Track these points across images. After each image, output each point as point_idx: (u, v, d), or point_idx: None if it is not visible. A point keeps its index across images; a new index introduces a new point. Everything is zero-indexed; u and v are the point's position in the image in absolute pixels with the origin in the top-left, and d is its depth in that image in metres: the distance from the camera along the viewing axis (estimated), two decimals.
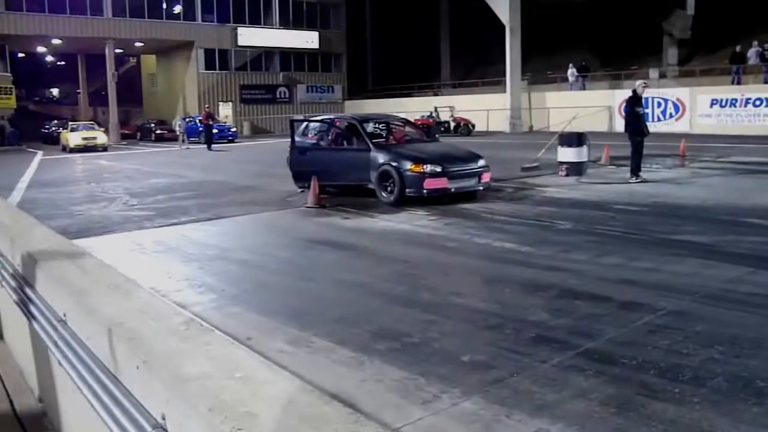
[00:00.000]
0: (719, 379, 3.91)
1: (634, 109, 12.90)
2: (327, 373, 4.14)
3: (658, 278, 6.12)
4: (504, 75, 32.72)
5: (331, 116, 13.69)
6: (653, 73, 31.16)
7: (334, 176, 11.87)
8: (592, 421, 3.47)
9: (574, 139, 13.89)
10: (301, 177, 12.01)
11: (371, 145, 11.44)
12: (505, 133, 31.75)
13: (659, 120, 26.92)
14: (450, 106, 33.06)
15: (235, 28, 41.83)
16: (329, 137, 12.55)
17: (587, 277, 6.26)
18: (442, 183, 10.67)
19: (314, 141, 12.86)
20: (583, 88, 32.65)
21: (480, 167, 11.33)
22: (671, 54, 33.69)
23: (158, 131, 37.72)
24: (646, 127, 12.99)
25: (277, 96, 44.39)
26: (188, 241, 8.66)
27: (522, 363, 4.23)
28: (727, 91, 26.10)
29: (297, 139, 13.03)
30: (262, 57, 44.08)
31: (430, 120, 30.74)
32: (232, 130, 34.06)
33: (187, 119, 34.02)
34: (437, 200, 10.73)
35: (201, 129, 30.51)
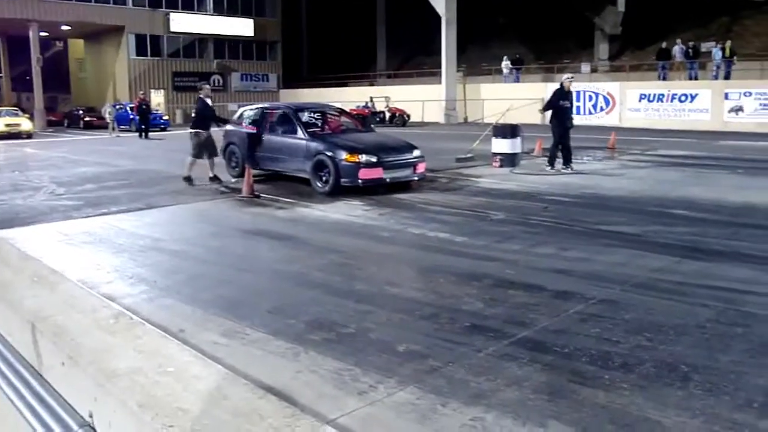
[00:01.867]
0: (647, 365, 4.02)
1: (559, 101, 13.23)
2: (262, 364, 4.08)
3: (590, 268, 6.26)
4: (439, 66, 32.91)
5: (266, 105, 13.62)
6: (585, 67, 31.91)
7: (269, 164, 12.11)
8: (525, 408, 3.51)
9: (508, 131, 14.09)
10: (236, 164, 12.67)
11: (306, 135, 11.43)
12: (441, 124, 31.97)
13: (590, 113, 27.57)
14: (386, 97, 33.08)
15: (168, 14, 40.87)
16: (265, 126, 12.50)
17: (521, 267, 6.35)
18: (377, 173, 10.68)
19: (249, 130, 12.73)
20: (517, 80, 33.14)
21: (415, 158, 11.38)
22: (602, 49, 34.51)
23: (87, 118, 36.58)
24: (571, 120, 13.41)
25: (211, 84, 43.62)
26: (118, 231, 8.42)
27: (457, 352, 4.26)
28: (654, 87, 26.90)
29: (230, 127, 13.34)
30: (196, 44, 43.22)
31: (366, 110, 30.71)
32: (164, 118, 33.31)
33: (118, 106, 33.08)
34: (372, 190, 10.71)
35: (132, 117, 29.74)
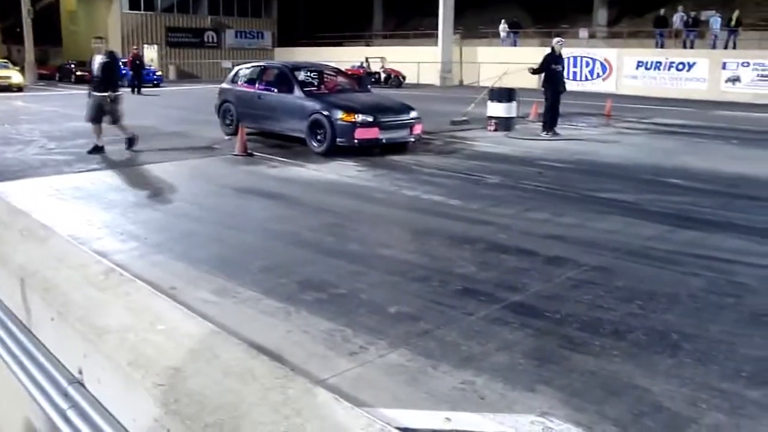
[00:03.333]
0: (638, 332, 4.04)
1: (551, 66, 13.17)
2: (253, 323, 4.07)
3: (583, 234, 6.26)
4: (436, 28, 32.54)
5: (262, 63, 13.42)
6: (583, 32, 31.59)
7: (264, 123, 12.02)
8: (515, 373, 3.52)
9: (504, 95, 14.00)
10: (230, 122, 12.55)
11: (302, 94, 11.29)
12: (436, 86, 31.71)
13: (587, 79, 27.40)
14: (381, 57, 32.74)
15: None
16: (260, 84, 12.31)
17: (514, 232, 6.34)
18: (373, 133, 10.58)
19: (245, 88, 12.59)
20: (515, 44, 32.83)
21: (412, 119, 11.28)
22: (601, 15, 34.14)
23: (79, 73, 36.04)
24: (563, 84, 13.39)
25: (205, 40, 43.07)
26: (109, 187, 8.36)
27: (448, 315, 4.26)
28: (652, 54, 26.70)
29: (226, 86, 13.10)
30: None
31: (361, 70, 30.41)
32: (157, 74, 32.91)
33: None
34: (367, 151, 10.64)
35: (125, 72, 29.41)
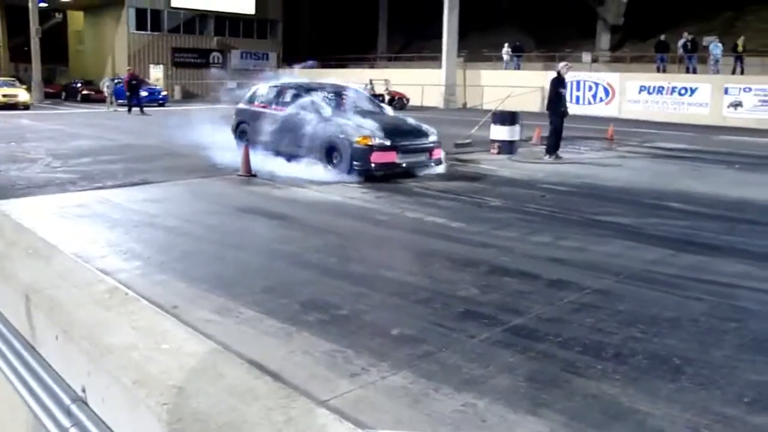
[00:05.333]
0: (639, 356, 4.03)
1: (558, 89, 13.28)
2: (254, 343, 4.07)
3: (585, 258, 6.27)
4: (440, 51, 32.76)
5: (280, 83, 13.00)
6: (586, 56, 31.79)
7: (281, 144, 11.45)
8: (517, 396, 3.52)
9: (507, 118, 14.07)
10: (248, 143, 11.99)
11: (319, 115, 10.93)
12: (439, 108, 31.86)
13: (590, 103, 27.53)
14: (385, 79, 32.94)
15: None
16: (277, 105, 12.03)
17: (517, 255, 6.35)
18: (390, 157, 10.19)
19: (262, 108, 12.33)
20: (518, 67, 33.03)
21: (431, 142, 10.89)
22: (604, 39, 34.38)
23: (85, 92, 36.31)
24: (566, 107, 13.50)
25: (211, 61, 43.39)
26: (113, 206, 8.39)
27: (450, 338, 4.26)
28: (655, 79, 26.84)
29: (243, 106, 12.82)
30: (196, 20, 42.94)
31: (365, 93, 30.57)
32: (162, 93, 33.13)
33: (116, 80, 32.86)
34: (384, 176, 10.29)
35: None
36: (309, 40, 48.40)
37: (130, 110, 26.62)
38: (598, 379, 3.73)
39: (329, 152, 10.47)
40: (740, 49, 26.03)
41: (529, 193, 9.61)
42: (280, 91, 12.26)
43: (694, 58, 27.19)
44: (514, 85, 23.96)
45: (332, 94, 12.06)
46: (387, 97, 32.10)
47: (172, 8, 41.07)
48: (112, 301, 2.02)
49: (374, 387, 3.59)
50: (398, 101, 31.85)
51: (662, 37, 28.39)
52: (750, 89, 23.73)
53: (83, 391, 1.68)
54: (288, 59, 44.20)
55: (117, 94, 31.08)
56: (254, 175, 10.60)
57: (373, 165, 10.07)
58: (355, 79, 33.67)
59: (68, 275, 2.25)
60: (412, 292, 5.19)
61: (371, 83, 32.56)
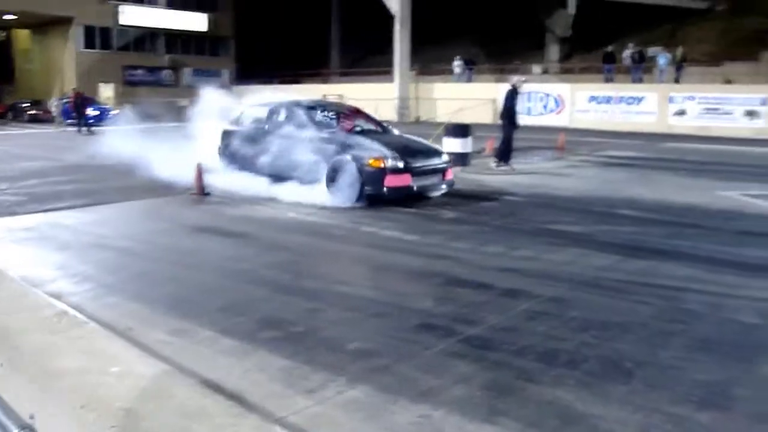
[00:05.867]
0: (592, 361, 4.12)
1: (513, 102, 13.63)
2: (210, 363, 4.04)
3: (538, 266, 6.37)
4: (393, 65, 32.97)
5: (272, 102, 11.94)
6: (536, 68, 32.36)
7: (276, 169, 10.40)
8: (473, 405, 3.56)
9: (459, 131, 14.22)
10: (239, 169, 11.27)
11: (321, 135, 10.05)
12: (393, 122, 31.94)
13: (541, 114, 27.94)
14: (338, 95, 32.98)
15: (117, 6, 40.05)
16: (270, 125, 11.03)
17: (471, 266, 6.42)
18: (404, 180, 9.34)
19: (252, 130, 11.41)
20: (470, 80, 33.40)
21: (444, 163, 10.09)
22: (553, 51, 35.07)
23: (32, 111, 35.55)
24: (518, 119, 13.90)
25: (162, 79, 42.95)
26: (63, 228, 8.24)
27: (406, 350, 4.29)
28: (603, 89, 27.41)
29: (230, 127, 11.90)
30: (147, 38, 42.49)
31: None
32: (113, 112, 32.62)
33: (64, 100, 32.28)
34: (394, 201, 9.46)
35: (71, 111, 29.09)
36: (262, 57, 48.27)
37: (79, 130, 26.20)
38: (553, 385, 3.80)
39: (334, 176, 9.56)
40: (678, 59, 26.81)
41: (482, 204, 9.73)
42: (274, 111, 11.25)
43: (640, 69, 27.87)
44: (467, 98, 24.28)
45: (331, 112, 11.26)
46: None
47: (122, 26, 40.55)
48: (61, 325, 1.98)
49: (331, 402, 3.59)
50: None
51: (609, 49, 29.06)
52: (693, 98, 24.40)
53: (31, 417, 1.66)
54: (241, 76, 44.13)
55: (65, 113, 30.54)
56: (208, 194, 10.51)
57: (385, 189, 9.21)
58: (308, 94, 33.74)
59: (15, 300, 2.20)
60: (367, 306, 5.21)
61: (325, 98, 32.58)
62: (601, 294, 5.53)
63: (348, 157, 9.43)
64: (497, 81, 30.99)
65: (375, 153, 9.37)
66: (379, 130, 11.16)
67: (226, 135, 11.90)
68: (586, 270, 6.23)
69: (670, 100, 24.95)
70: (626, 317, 4.94)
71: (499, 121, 14.10)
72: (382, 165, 9.22)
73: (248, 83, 42.45)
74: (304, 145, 10.01)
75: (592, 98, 27.14)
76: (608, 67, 28.69)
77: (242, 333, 4.57)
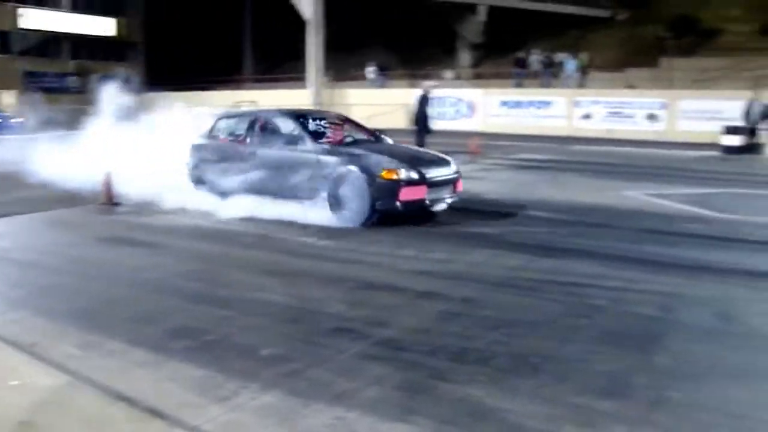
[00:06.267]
0: (502, 358, 4.23)
1: (424, 108, 13.91)
2: (121, 375, 3.94)
3: (451, 268, 6.50)
4: (307, 71, 32.93)
5: (253, 111, 10.99)
6: (448, 74, 32.91)
7: (263, 186, 9.24)
8: (386, 405, 3.60)
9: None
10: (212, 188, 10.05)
11: (317, 147, 8.99)
12: None
13: (454, 119, 28.42)
14: (251, 101, 32.63)
15: (16, 8, 38.45)
16: (253, 138, 9.78)
17: (384, 269, 6.50)
18: (420, 193, 8.45)
19: (230, 145, 10.17)
20: (383, 86, 33.66)
21: (455, 173, 9.19)
22: (465, 57, 35.78)
23: None
24: (430, 124, 14.21)
25: (68, 85, 41.50)
26: None
27: (320, 354, 4.30)
28: (514, 94, 28.15)
29: (202, 141, 10.57)
30: (51, 42, 40.96)
31: None
32: (14, 120, 31.31)
33: None
34: (402, 215, 8.54)
35: None
36: (173, 64, 47.30)
37: None
38: (464, 383, 3.88)
39: (337, 192, 8.56)
40: (583, 64, 27.84)
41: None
42: (255, 121, 9.98)
43: (548, 74, 28.77)
44: (381, 103, 24.48)
45: (322, 121, 10.19)
46: None
47: (21, 30, 38.98)
48: None
49: (245, 408, 3.57)
50: None
51: (519, 54, 29.87)
52: (599, 102, 25.35)
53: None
54: (152, 83, 43.09)
55: None
56: (117, 204, 10.22)
57: (399, 204, 8.30)
58: (221, 101, 33.28)
59: None
60: (280, 312, 5.19)
61: (238, 105, 32.19)
62: (513, 293, 5.69)
63: (354, 169, 8.41)
64: (410, 86, 31.38)
65: (386, 164, 8.45)
66: (372, 140, 10.12)
67: (197, 150, 10.55)
68: (498, 270, 6.39)
69: (577, 104, 25.84)
70: (535, 315, 5.10)
71: (413, 127, 14.32)
72: (395, 177, 8.29)
73: (158, 90, 41.56)
74: (298, 159, 8.95)
75: (504, 103, 27.81)
76: (518, 73, 29.50)
77: (153, 343, 4.48)
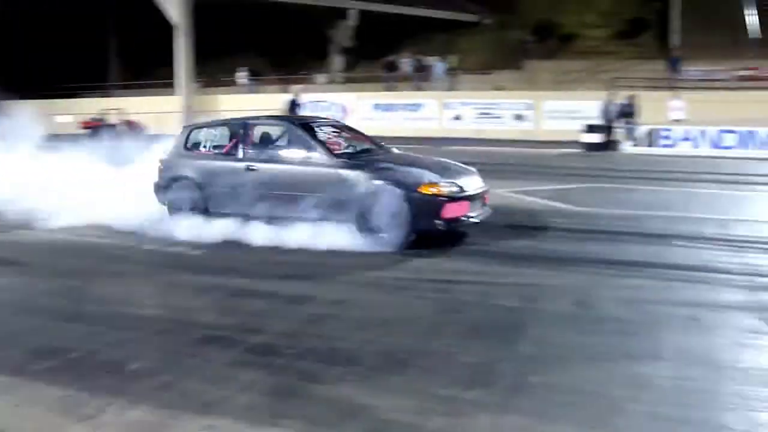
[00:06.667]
0: (371, 357, 4.35)
1: (295, 112, 13.98)
2: None
3: (322, 271, 6.57)
4: (177, 77, 32.13)
5: (242, 119, 9.01)
6: (321, 78, 33.03)
7: (263, 207, 7.73)
8: (258, 411, 3.63)
9: None
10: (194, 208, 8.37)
11: (333, 159, 7.75)
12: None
13: None
14: (117, 108, 31.40)
15: None
16: (246, 150, 8.28)
17: (257, 276, 6.50)
18: (463, 209, 7.42)
19: (217, 159, 8.51)
20: (254, 92, 33.34)
21: (483, 185, 8.13)
22: (337, 61, 35.99)
23: None
24: None
25: None
26: None
27: (190, 364, 4.27)
28: (386, 97, 28.59)
29: (177, 157, 8.81)
30: None
31: (99, 122, 29.03)
32: None
33: None
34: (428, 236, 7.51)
35: None
36: (29, 69, 44.84)
37: None
38: (334, 382, 3.97)
39: (367, 211, 7.34)
40: (452, 66, 28.76)
41: None
42: (247, 131, 8.50)
43: (419, 77, 29.44)
44: (252, 109, 24.10)
45: (328, 128, 8.91)
46: (121, 126, 30.61)
47: None
48: None
49: (110, 426, 3.50)
50: (134, 129, 30.50)
51: (390, 58, 30.40)
52: (468, 103, 26.21)
53: None
54: (6, 91, 40.66)
55: None
56: None
57: (442, 222, 7.26)
58: (87, 108, 31.92)
59: None
60: (150, 324, 5.10)
61: (104, 112, 30.93)
62: (384, 293, 5.86)
63: (388, 184, 7.30)
64: (283, 92, 31.29)
65: (426, 177, 7.42)
66: (378, 149, 8.82)
67: (171, 168, 8.76)
68: (367, 270, 6.52)
69: (447, 106, 26.59)
70: (404, 312, 5.29)
71: None
72: (437, 191, 7.27)
73: (13, 98, 39.22)
74: (313, 175, 7.70)
75: (377, 106, 28.20)
76: (389, 76, 30.01)
77: (12, 367, 4.27)
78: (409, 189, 7.21)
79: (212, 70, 35.84)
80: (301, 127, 8.37)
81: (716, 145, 19.69)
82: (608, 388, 3.88)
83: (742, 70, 25.09)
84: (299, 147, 8.00)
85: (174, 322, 5.11)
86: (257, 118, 9.39)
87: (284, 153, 8.13)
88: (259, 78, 34.06)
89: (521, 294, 5.73)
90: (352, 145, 8.62)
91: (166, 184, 8.74)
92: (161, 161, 8.93)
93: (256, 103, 28.47)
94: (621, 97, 20.08)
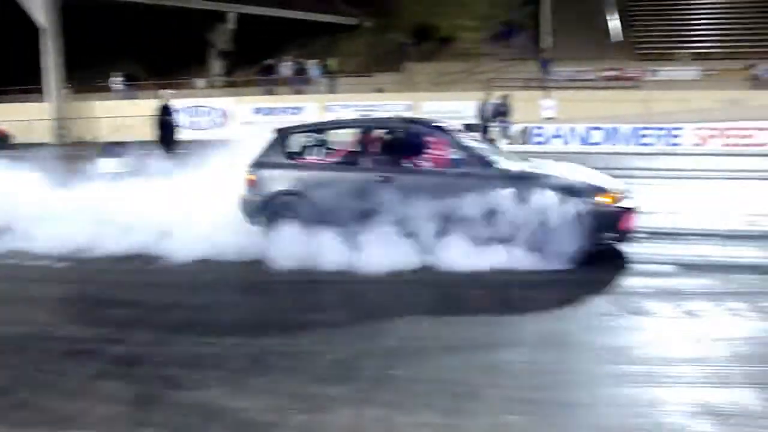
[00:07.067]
0: (237, 360, 4.38)
1: (167, 118, 13.72)
2: None
3: (182, 279, 6.46)
4: (45, 83, 30.66)
5: (361, 119, 8.02)
6: (200, 82, 32.39)
7: (408, 227, 6.56)
8: (118, 421, 3.61)
9: (114, 150, 13.80)
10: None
11: (500, 170, 6.84)
12: (51, 144, 29.71)
13: (207, 128, 28.05)
14: None
15: None
16: (367, 159, 7.24)
17: (123, 285, 6.38)
18: (634, 220, 6.76)
19: (332, 169, 7.33)
20: (130, 97, 32.29)
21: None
22: (216, 65, 35.39)
23: None
24: (175, 135, 14.11)
25: None
26: None
27: (48, 380, 4.16)
28: (267, 101, 28.40)
29: (273, 168, 7.32)
30: None
31: None
32: None
33: None
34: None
35: None
36: None
37: None
38: (197, 387, 3.98)
39: (539, 226, 6.46)
40: (332, 69, 28.95)
41: None
42: (367, 133, 7.49)
43: (299, 80, 29.43)
44: (129, 115, 23.48)
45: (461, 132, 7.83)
46: None
47: None
48: None
49: None
50: None
51: (268, 62, 30.22)
52: (348, 106, 26.39)
53: None
54: None
55: None
56: None
57: (619, 235, 6.68)
58: None
59: None
60: (4, 341, 4.89)
61: None
62: (250, 296, 5.95)
63: (564, 196, 6.46)
64: (159, 97, 30.44)
65: (601, 186, 6.77)
66: (515, 156, 7.97)
67: (268, 181, 7.28)
68: (241, 275, 6.49)
69: (328, 109, 26.68)
70: (267, 315, 5.38)
71: (157, 138, 14.03)
72: (614, 201, 6.59)
73: None
74: (473, 187, 6.59)
75: (257, 110, 27.94)
76: (268, 80, 29.84)
77: None
78: (584, 200, 6.48)
79: (85, 76, 34.36)
80: (442, 129, 7.41)
81: (585, 141, 20.84)
82: (468, 376, 4.07)
83: (608, 70, 26.70)
84: (447, 153, 7.05)
85: (32, 338, 4.85)
86: (382, 119, 8.36)
87: (426, 161, 7.11)
88: (135, 83, 32.97)
89: (390, 291, 5.90)
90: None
91: (266, 201, 7.25)
92: (258, 173, 7.38)
93: (132, 109, 27.64)
94: (496, 97, 20.76)
